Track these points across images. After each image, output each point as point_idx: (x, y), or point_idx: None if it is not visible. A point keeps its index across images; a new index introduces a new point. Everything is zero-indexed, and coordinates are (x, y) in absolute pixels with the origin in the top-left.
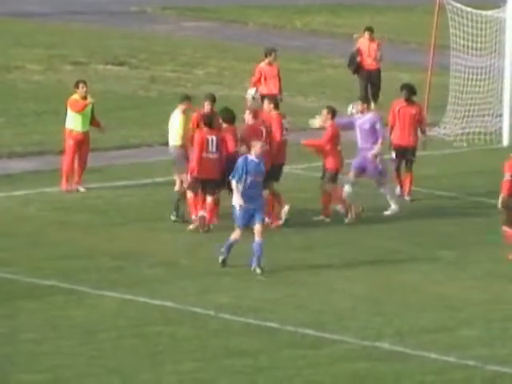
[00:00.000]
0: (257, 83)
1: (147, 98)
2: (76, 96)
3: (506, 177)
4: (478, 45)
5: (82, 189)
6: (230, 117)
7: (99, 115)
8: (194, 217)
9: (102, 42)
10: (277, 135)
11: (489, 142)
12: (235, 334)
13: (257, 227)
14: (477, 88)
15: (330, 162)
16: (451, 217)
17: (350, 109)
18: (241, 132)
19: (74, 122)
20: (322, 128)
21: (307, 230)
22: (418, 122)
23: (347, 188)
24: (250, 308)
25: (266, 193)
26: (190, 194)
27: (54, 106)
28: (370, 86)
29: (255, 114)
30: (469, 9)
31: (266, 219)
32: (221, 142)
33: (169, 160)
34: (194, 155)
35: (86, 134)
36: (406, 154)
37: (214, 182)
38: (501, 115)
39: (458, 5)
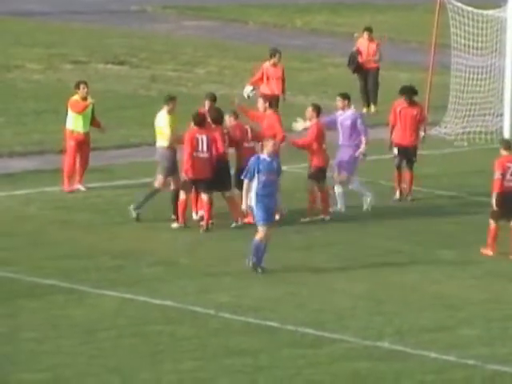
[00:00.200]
0: (258, 82)
1: (147, 97)
2: (76, 97)
3: (496, 175)
4: (479, 44)
5: (82, 188)
6: (219, 117)
7: (99, 114)
8: (194, 216)
9: (102, 41)
10: (279, 132)
11: (489, 141)
12: (235, 333)
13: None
14: (477, 87)
15: (315, 160)
16: (451, 216)
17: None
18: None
19: (74, 123)
20: (305, 129)
21: (307, 229)
22: (420, 122)
23: (337, 188)
24: (250, 307)
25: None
26: (182, 195)
27: (54, 105)
28: (369, 86)
29: (236, 116)
30: (469, 8)
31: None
32: (211, 142)
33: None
34: (184, 155)
35: (86, 135)
36: (407, 154)
37: (205, 181)
38: (501, 114)
39: (459, 4)
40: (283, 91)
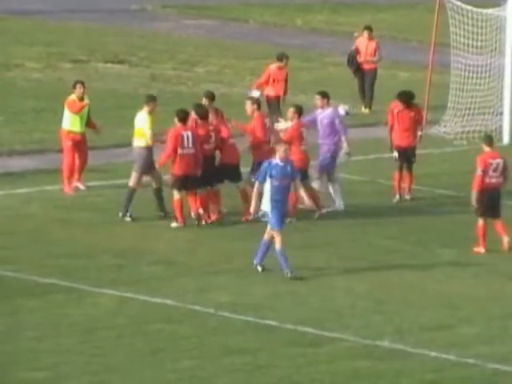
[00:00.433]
0: (263, 85)
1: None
2: (73, 96)
3: (478, 172)
4: (479, 43)
5: (81, 186)
6: (205, 113)
7: (99, 113)
8: (192, 214)
9: (101, 39)
10: (257, 134)
11: None
12: (235, 331)
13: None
14: (477, 86)
15: (297, 161)
16: (451, 215)
17: (340, 110)
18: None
19: (71, 123)
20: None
21: (307, 228)
22: (418, 122)
23: (331, 187)
24: (249, 306)
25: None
26: (176, 195)
27: (53, 103)
28: (366, 86)
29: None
30: (469, 7)
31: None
32: (196, 138)
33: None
34: (166, 151)
35: (83, 135)
36: (407, 155)
37: (193, 177)
38: (501, 113)
39: (459, 3)
40: (285, 92)
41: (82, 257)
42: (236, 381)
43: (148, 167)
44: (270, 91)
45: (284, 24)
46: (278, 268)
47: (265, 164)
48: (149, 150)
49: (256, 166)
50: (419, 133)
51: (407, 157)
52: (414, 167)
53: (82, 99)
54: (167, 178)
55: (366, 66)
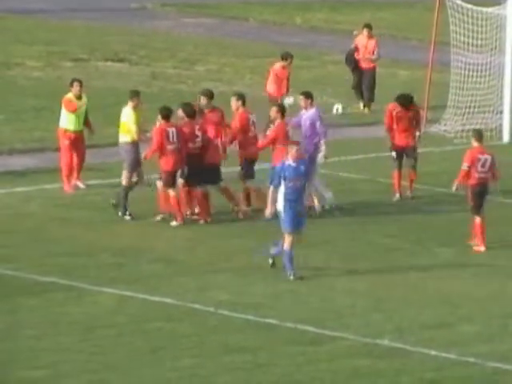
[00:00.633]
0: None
1: (148, 94)
2: (70, 94)
3: (464, 166)
4: (479, 41)
5: (81, 185)
6: (192, 111)
7: (99, 112)
8: (187, 212)
9: (102, 38)
10: (241, 130)
11: (489, 138)
12: (235, 330)
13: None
14: (477, 85)
15: (277, 161)
16: (451, 213)
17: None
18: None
19: (68, 122)
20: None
21: (307, 227)
22: (416, 123)
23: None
24: (249, 304)
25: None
26: (171, 193)
27: (54, 102)
28: (364, 87)
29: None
30: (469, 5)
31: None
32: (179, 134)
33: None
34: (151, 147)
35: (80, 133)
36: (407, 153)
37: (177, 172)
38: (501, 112)
39: (459, 1)
40: (287, 91)
41: (82, 255)
42: (236, 379)
43: (136, 164)
44: (272, 89)
45: (283, 22)
46: (277, 266)
47: (278, 166)
48: (135, 145)
49: (245, 164)
50: (417, 133)
51: (408, 155)
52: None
53: (79, 97)
54: (149, 177)
55: (365, 65)
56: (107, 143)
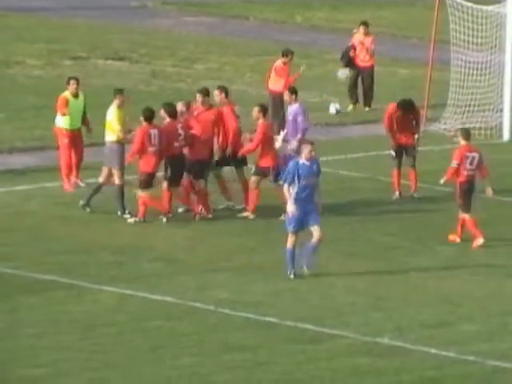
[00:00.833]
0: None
1: (148, 92)
2: (67, 93)
3: (453, 163)
4: (479, 40)
5: (81, 183)
6: (174, 111)
7: (99, 110)
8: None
9: (102, 36)
10: (232, 124)
11: (489, 137)
12: (234, 328)
13: (315, 229)
14: (477, 83)
15: (262, 161)
16: (451, 212)
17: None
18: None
19: (65, 121)
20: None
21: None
22: (416, 124)
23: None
24: (249, 303)
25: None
26: (143, 193)
27: (54, 101)
28: (362, 85)
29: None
30: (469, 4)
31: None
32: (161, 136)
33: None
34: (133, 148)
35: (78, 131)
36: (407, 151)
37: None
38: (501, 110)
39: (459, 0)
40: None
41: (82, 254)
42: (236, 378)
43: (123, 163)
44: (273, 86)
45: (284, 21)
46: (277, 265)
47: (292, 165)
48: (120, 144)
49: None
50: (416, 136)
51: (408, 152)
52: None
53: (76, 95)
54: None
55: (362, 64)
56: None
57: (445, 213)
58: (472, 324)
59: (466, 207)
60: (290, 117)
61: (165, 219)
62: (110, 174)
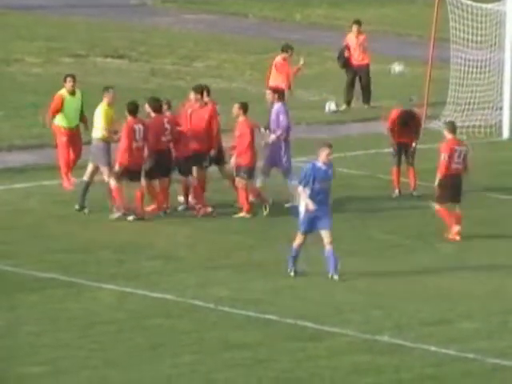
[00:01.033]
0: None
1: (147, 90)
2: (63, 91)
3: (443, 157)
4: (478, 38)
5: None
6: (158, 105)
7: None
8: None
9: (101, 34)
10: (213, 123)
11: (489, 134)
12: (235, 326)
13: (324, 233)
14: (477, 81)
15: (243, 159)
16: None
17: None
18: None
19: (60, 118)
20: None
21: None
22: (416, 130)
23: (259, 181)
24: (249, 300)
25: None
26: (113, 184)
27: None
28: (360, 85)
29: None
30: (469, 2)
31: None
32: (146, 131)
33: None
34: (121, 146)
35: (76, 129)
36: (406, 149)
37: (139, 170)
38: (501, 108)
39: None
40: (289, 86)
41: (81, 252)
42: (236, 375)
43: (110, 160)
44: (274, 83)
45: (283, 19)
46: (277, 263)
47: (309, 167)
48: (106, 142)
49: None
50: (413, 144)
51: (406, 152)
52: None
53: (73, 93)
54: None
55: (357, 63)
56: None
57: None
58: (472, 322)
59: (443, 199)
60: (273, 116)
61: (131, 217)
62: (95, 172)
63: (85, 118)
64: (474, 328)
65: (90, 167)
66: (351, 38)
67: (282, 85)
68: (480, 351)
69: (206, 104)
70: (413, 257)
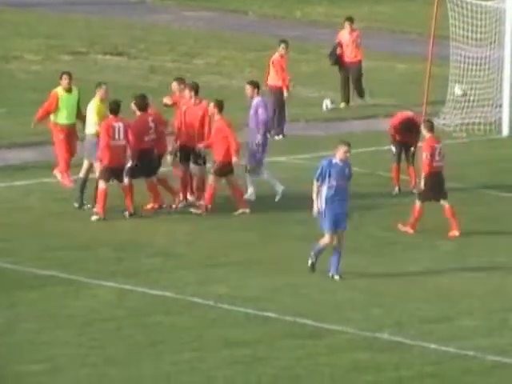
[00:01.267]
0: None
1: (146, 88)
2: (59, 88)
3: (425, 155)
4: (478, 35)
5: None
6: (144, 103)
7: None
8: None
9: (101, 32)
10: (206, 120)
11: (488, 132)
12: (234, 324)
13: (340, 233)
14: (476, 78)
15: (219, 156)
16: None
17: (325, 104)
18: (131, 124)
19: (56, 116)
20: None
21: (307, 220)
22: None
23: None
24: (248, 298)
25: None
26: (102, 185)
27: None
28: (351, 80)
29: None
30: None
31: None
32: (126, 130)
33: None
34: (101, 144)
35: (72, 126)
36: (407, 148)
37: (122, 169)
38: (500, 105)
39: None
40: (287, 85)
41: (81, 249)
42: (236, 373)
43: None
44: (272, 81)
45: (283, 16)
46: (276, 260)
47: (324, 163)
48: (99, 138)
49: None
50: (412, 148)
51: (406, 150)
52: (414, 161)
53: (69, 90)
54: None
55: (349, 60)
56: None
57: None
58: (472, 319)
59: (426, 197)
60: (251, 110)
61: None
62: (91, 168)
63: (81, 115)
64: (474, 325)
65: (85, 164)
66: (344, 35)
67: (279, 83)
68: (480, 349)
69: (200, 102)
70: (412, 254)
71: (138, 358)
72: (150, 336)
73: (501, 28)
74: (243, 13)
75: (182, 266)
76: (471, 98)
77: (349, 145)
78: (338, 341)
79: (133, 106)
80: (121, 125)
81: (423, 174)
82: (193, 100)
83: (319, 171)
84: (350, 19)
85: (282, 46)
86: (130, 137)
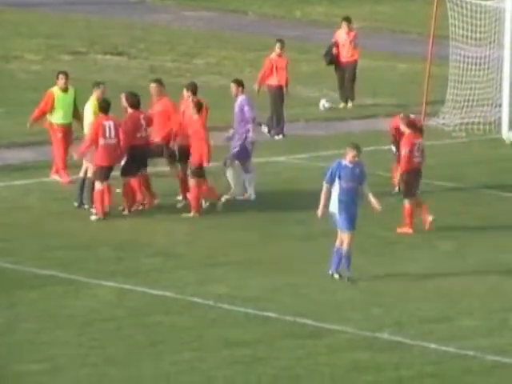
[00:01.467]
0: (269, 75)
1: (146, 88)
2: (55, 88)
3: (404, 152)
4: (478, 35)
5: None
6: (136, 101)
7: None
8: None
9: (101, 31)
10: (176, 118)
11: (488, 131)
12: (234, 324)
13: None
14: (476, 78)
15: (196, 157)
16: (450, 207)
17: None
18: (123, 121)
19: (56, 116)
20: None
21: (307, 219)
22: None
23: (228, 172)
24: (248, 298)
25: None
26: (98, 185)
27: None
28: (346, 80)
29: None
30: None
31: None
32: (117, 128)
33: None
34: (86, 139)
35: (69, 126)
36: None
37: (113, 167)
38: (500, 105)
39: None
40: (286, 83)
41: (81, 249)
42: (236, 373)
43: None
44: (272, 81)
45: (283, 16)
46: (276, 260)
47: (334, 164)
48: None
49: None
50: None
51: None
52: None
53: (65, 90)
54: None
55: (345, 60)
56: None
57: (444, 207)
58: (472, 319)
59: (410, 193)
60: (236, 108)
61: (126, 211)
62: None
63: (78, 115)
64: (474, 325)
65: (84, 164)
66: (341, 35)
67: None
68: (480, 348)
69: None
70: (412, 253)
71: (138, 358)
72: (150, 336)
73: (500, 28)
74: (243, 13)
75: (182, 266)
76: (471, 98)
77: (357, 148)
78: (338, 341)
79: (124, 103)
80: (111, 123)
81: (401, 170)
82: (191, 100)
83: (329, 174)
84: (348, 19)
85: (278, 45)
86: (121, 135)
